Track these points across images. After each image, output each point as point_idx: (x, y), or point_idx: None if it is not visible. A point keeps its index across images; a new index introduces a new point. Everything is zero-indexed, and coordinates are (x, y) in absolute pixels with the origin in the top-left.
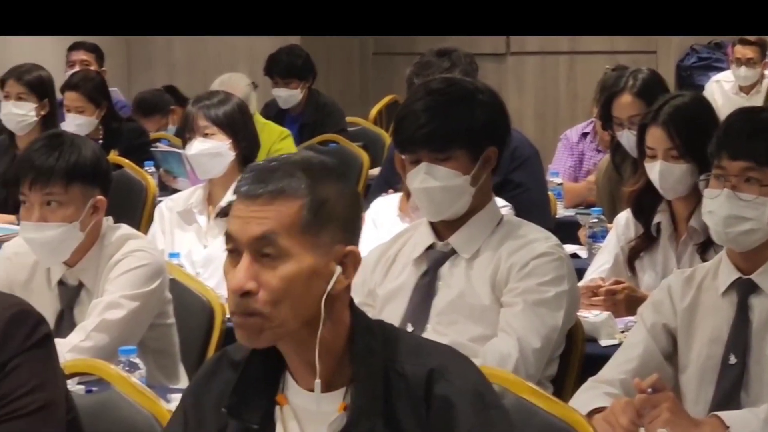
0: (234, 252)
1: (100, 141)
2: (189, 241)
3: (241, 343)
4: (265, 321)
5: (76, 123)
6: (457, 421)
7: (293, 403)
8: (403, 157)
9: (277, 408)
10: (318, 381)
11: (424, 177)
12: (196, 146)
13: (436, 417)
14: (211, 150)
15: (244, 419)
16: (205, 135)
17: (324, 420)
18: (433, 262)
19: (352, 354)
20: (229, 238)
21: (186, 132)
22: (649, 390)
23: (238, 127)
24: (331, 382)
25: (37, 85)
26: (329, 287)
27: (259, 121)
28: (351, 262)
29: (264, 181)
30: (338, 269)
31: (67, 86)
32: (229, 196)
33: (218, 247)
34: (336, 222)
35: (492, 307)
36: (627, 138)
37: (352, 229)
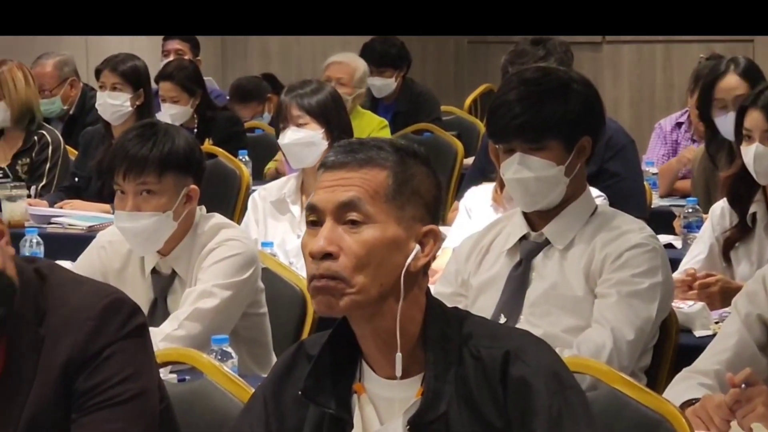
0: (316, 224)
1: (195, 130)
2: (282, 230)
3: (317, 310)
4: (346, 286)
5: (170, 113)
6: (533, 401)
7: (370, 391)
8: (497, 147)
9: (354, 396)
10: (399, 355)
11: (517, 167)
12: (290, 136)
13: (512, 398)
14: (305, 139)
15: (321, 403)
16: (299, 124)
17: (401, 407)
18: (527, 252)
19: (426, 339)
20: (311, 209)
21: (279, 121)
22: (743, 385)
23: (331, 116)
24: (407, 368)
25: (132, 76)
26: (408, 261)
27: (359, 110)
28: (431, 241)
29: (353, 151)
30: (417, 247)
31: (162, 76)
32: None
33: None
34: (420, 200)
35: (585, 298)
36: (727, 121)
37: (434, 212)
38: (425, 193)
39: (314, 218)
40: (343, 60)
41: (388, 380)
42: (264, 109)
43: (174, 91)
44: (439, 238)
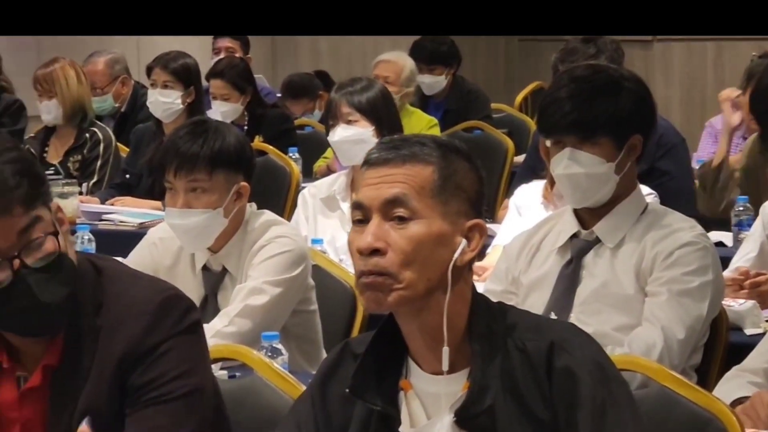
0: (362, 222)
1: (245, 127)
2: (332, 227)
3: (366, 306)
4: (394, 281)
5: (221, 110)
6: (579, 391)
7: (417, 387)
8: (548, 143)
9: (401, 393)
10: (446, 348)
11: (568, 163)
12: (339, 133)
13: (557, 389)
14: (354, 136)
15: (368, 400)
16: (348, 121)
17: (448, 401)
18: (578, 251)
19: (472, 333)
20: (357, 207)
21: (329, 119)
22: None
23: (381, 114)
24: (453, 363)
25: (183, 73)
26: (455, 256)
27: (408, 109)
28: (477, 235)
29: (396, 147)
30: (464, 241)
31: (213, 74)
32: None
33: None
34: (464, 194)
35: (636, 296)
36: None
37: (478, 207)
38: (469, 187)
39: (360, 215)
40: (391, 59)
41: (435, 375)
42: (315, 106)
43: (225, 89)
44: (484, 233)
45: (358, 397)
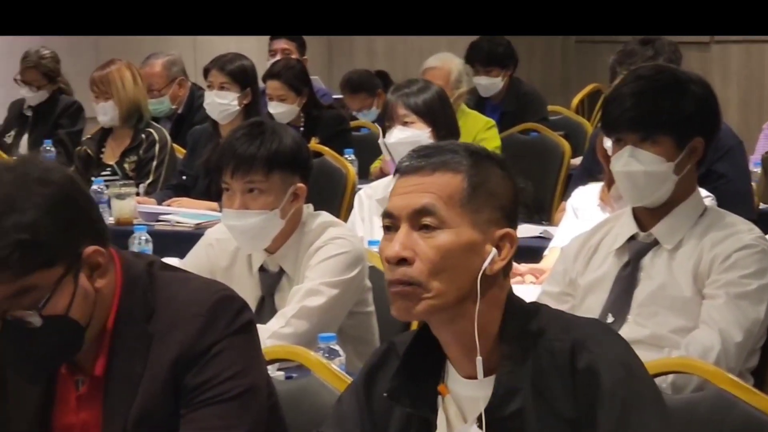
0: (391, 229)
1: (301, 128)
2: None
3: (396, 315)
4: (423, 291)
5: (277, 111)
6: (600, 388)
7: (454, 391)
8: (608, 143)
9: (439, 397)
10: (479, 358)
11: (627, 160)
12: (396, 135)
13: (581, 388)
14: (411, 138)
15: (405, 404)
16: (405, 123)
17: (484, 405)
18: (635, 252)
19: (503, 337)
20: (387, 215)
21: (386, 120)
22: None
23: (438, 115)
24: (488, 366)
25: (240, 75)
26: (485, 265)
27: (464, 110)
28: (507, 244)
29: (426, 156)
30: (494, 251)
31: (269, 75)
32: None
33: None
34: (495, 203)
35: (693, 298)
36: None
37: (510, 215)
38: (501, 196)
39: (389, 224)
40: (436, 65)
41: (471, 380)
42: (373, 103)
43: (281, 90)
44: (515, 242)
45: (395, 401)
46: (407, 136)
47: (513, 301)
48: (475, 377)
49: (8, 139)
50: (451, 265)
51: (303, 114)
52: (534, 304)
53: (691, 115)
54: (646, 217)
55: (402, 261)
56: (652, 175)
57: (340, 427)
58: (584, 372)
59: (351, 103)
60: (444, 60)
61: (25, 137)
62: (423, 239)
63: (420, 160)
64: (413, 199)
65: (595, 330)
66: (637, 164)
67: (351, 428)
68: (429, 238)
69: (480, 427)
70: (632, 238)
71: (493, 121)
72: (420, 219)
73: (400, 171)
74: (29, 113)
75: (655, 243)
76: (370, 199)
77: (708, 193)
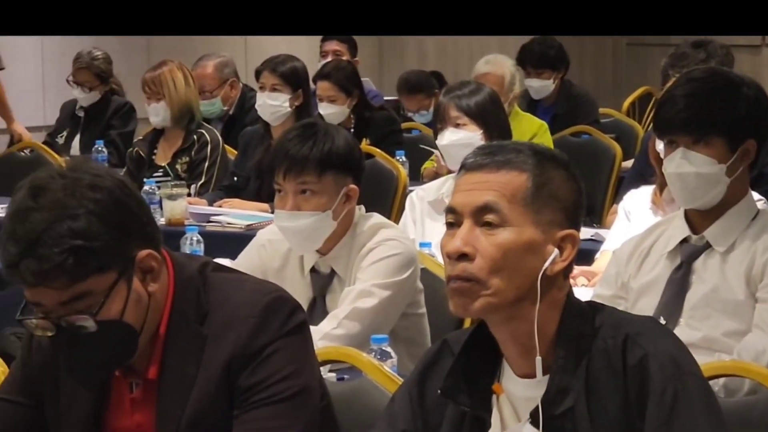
0: (454, 225)
1: (352, 130)
2: (440, 230)
3: (453, 311)
4: (482, 287)
5: (327, 112)
6: (647, 384)
7: (509, 391)
8: (661, 146)
9: (494, 396)
10: (539, 358)
11: (679, 162)
12: (448, 136)
13: (630, 383)
14: (463, 140)
15: (460, 402)
16: (457, 125)
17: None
18: (688, 255)
19: (560, 337)
20: (450, 211)
21: (438, 122)
22: None
23: (490, 117)
24: (544, 365)
25: (291, 76)
26: (546, 265)
27: (518, 112)
28: (569, 245)
29: (491, 153)
30: (555, 251)
31: (320, 75)
32: None
33: None
34: (558, 204)
35: (746, 302)
36: None
37: (573, 217)
38: (564, 197)
39: (452, 219)
40: (489, 71)
41: (527, 379)
42: (431, 103)
43: (332, 90)
44: (577, 243)
45: (449, 398)
46: (459, 138)
47: (572, 302)
48: (530, 376)
49: (60, 139)
50: (511, 263)
51: (353, 115)
52: (591, 303)
53: (743, 117)
54: (698, 219)
55: (462, 257)
56: (704, 176)
57: (392, 426)
58: (635, 367)
59: (408, 104)
60: (496, 64)
61: (77, 138)
62: (485, 236)
63: (485, 158)
64: (476, 196)
65: (647, 326)
66: (689, 166)
67: (402, 427)
68: (491, 235)
69: (534, 424)
70: (684, 241)
71: (545, 124)
72: (482, 216)
73: (465, 167)
74: (81, 114)
75: (708, 246)
76: (422, 201)
77: (760, 197)
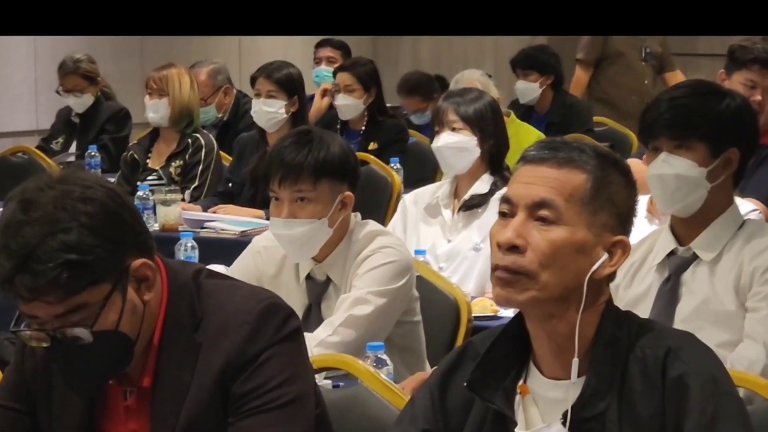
0: (507, 215)
1: (362, 130)
2: (433, 234)
3: (496, 300)
4: (530, 281)
5: (343, 102)
6: (688, 402)
7: (534, 392)
8: (643, 157)
9: (518, 396)
10: (576, 359)
11: (660, 165)
12: (443, 139)
13: (669, 397)
14: (457, 144)
15: (485, 397)
16: (453, 129)
17: (566, 407)
18: (676, 268)
19: (597, 342)
20: (505, 200)
21: (435, 125)
22: None
23: (487, 125)
24: (578, 369)
25: (287, 83)
26: (594, 268)
27: (514, 120)
28: (620, 251)
29: (554, 149)
30: (605, 255)
31: (340, 68)
32: (473, 191)
33: (462, 242)
34: (614, 209)
35: (737, 312)
36: None
37: (625, 223)
38: (620, 202)
39: (507, 209)
40: (459, 78)
41: (555, 381)
42: (428, 107)
43: (350, 80)
44: (628, 250)
45: (475, 392)
46: (455, 141)
47: (611, 308)
48: (559, 378)
49: (55, 146)
50: (561, 261)
51: (367, 114)
52: (627, 312)
53: (725, 122)
54: (683, 231)
55: (513, 248)
56: (684, 179)
57: (413, 425)
58: (675, 381)
59: (406, 104)
60: (464, 81)
61: (74, 145)
62: (538, 230)
63: (547, 152)
64: (535, 190)
65: (688, 341)
66: (668, 168)
67: (423, 426)
68: (544, 231)
69: (564, 425)
70: (672, 253)
71: (543, 135)
72: (538, 210)
73: (526, 159)
74: (77, 120)
75: (695, 257)
76: (416, 205)
77: (753, 207)
